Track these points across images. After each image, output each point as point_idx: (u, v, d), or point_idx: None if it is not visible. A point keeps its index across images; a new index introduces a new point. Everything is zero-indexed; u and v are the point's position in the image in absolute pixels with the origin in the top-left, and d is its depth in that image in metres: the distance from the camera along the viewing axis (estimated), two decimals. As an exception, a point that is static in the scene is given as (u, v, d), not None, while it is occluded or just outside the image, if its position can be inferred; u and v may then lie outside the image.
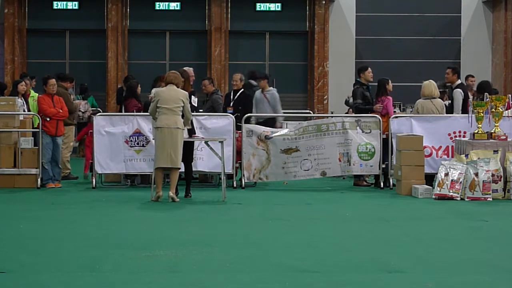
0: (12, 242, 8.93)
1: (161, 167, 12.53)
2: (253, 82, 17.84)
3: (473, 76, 18.45)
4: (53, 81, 14.82)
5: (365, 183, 15.15)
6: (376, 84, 15.16)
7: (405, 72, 24.40)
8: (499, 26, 24.72)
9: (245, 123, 14.68)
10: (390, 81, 15.15)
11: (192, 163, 13.35)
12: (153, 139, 13.24)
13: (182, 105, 12.49)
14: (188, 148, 12.96)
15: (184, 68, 15.15)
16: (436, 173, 13.37)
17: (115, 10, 24.33)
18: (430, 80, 14.98)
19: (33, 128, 14.92)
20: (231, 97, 15.92)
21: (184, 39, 25.05)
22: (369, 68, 15.26)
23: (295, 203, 12.72)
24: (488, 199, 12.78)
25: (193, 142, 13.15)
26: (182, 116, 12.52)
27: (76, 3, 24.69)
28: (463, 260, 8.03)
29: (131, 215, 11.23)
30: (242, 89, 15.91)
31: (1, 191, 13.81)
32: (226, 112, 15.33)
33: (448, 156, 14.40)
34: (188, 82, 13.54)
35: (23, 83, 16.08)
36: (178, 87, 12.67)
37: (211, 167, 14.28)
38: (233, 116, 14.69)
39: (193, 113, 13.11)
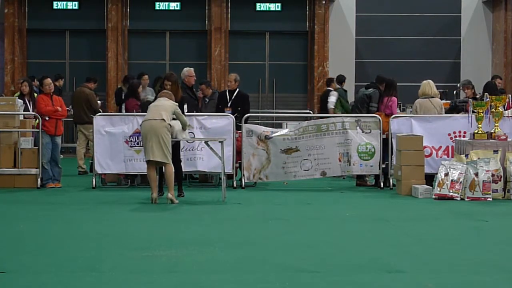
0: (12, 242, 8.93)
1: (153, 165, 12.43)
2: (337, 86, 17.72)
3: (501, 78, 18.33)
4: (48, 80, 14.81)
5: (368, 182, 15.16)
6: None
7: (405, 72, 24.36)
8: (499, 26, 24.71)
9: (245, 123, 14.68)
10: None
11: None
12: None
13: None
14: (174, 148, 12.80)
15: (185, 69, 15.13)
16: (436, 173, 13.38)
17: (115, 10, 24.31)
18: (428, 80, 15.01)
19: (33, 128, 14.92)
20: (227, 97, 15.77)
21: (184, 39, 25.04)
22: None
23: (295, 203, 12.71)
24: (488, 199, 12.78)
25: (179, 142, 13.00)
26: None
27: (76, 3, 24.67)
28: (463, 260, 8.03)
29: (131, 215, 11.23)
30: (238, 89, 15.80)
31: (1, 191, 13.81)
32: (223, 112, 15.29)
33: (448, 156, 14.40)
34: (176, 86, 13.36)
35: (26, 83, 16.08)
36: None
37: (211, 167, 14.27)
38: (233, 116, 14.68)
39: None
